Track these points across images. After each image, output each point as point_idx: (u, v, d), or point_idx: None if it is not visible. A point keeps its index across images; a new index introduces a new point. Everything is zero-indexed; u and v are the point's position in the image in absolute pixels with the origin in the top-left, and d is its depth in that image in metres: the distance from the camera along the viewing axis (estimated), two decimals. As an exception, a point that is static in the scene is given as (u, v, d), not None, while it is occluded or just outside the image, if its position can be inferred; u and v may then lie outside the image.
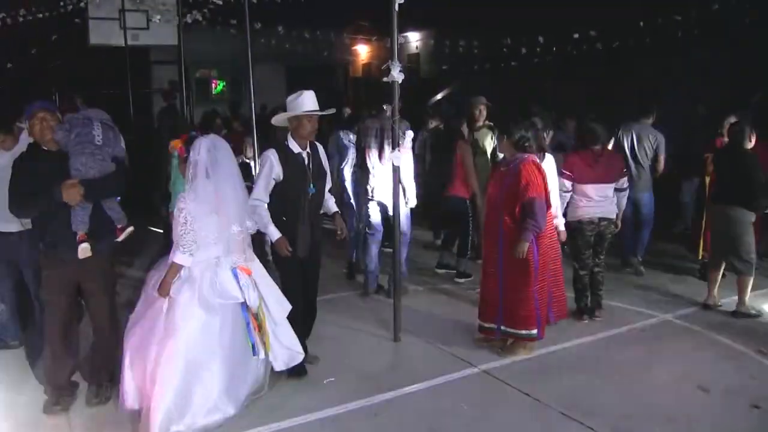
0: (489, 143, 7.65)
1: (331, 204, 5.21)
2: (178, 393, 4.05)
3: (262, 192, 4.75)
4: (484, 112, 7.76)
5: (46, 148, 4.32)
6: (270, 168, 4.74)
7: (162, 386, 4.02)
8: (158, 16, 12.22)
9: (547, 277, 5.48)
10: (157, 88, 17.28)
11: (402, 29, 5.31)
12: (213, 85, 20.30)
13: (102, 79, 14.46)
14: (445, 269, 7.74)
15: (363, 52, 22.81)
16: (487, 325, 5.48)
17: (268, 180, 4.75)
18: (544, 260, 5.39)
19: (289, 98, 4.80)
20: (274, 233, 4.74)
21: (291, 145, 4.82)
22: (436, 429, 4.26)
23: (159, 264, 4.47)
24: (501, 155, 5.94)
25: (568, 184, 5.97)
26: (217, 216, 4.22)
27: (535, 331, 5.28)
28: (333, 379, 4.89)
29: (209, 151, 4.25)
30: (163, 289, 4.18)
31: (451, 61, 18.42)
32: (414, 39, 22.12)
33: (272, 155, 4.76)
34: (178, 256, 4.15)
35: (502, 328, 5.36)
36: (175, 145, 4.46)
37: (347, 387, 4.78)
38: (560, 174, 5.94)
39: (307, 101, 4.74)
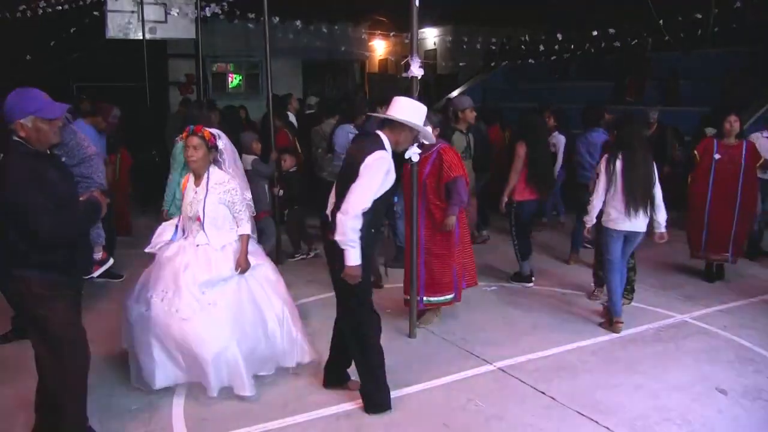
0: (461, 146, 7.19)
1: None
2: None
3: (369, 201, 4.02)
4: (470, 114, 7.25)
5: (39, 151, 3.50)
6: (387, 174, 4.10)
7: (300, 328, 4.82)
8: (176, 9, 12.26)
9: (462, 247, 5.95)
10: (174, 81, 17.39)
11: (419, 25, 5.25)
12: (229, 78, 20.34)
13: (119, 72, 14.55)
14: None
15: (380, 47, 22.78)
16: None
17: (383, 188, 4.10)
18: (462, 232, 5.93)
19: (410, 104, 4.30)
20: (356, 257, 4.05)
21: (389, 151, 4.22)
22: (450, 425, 4.24)
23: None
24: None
25: None
26: (248, 192, 4.78)
27: (452, 296, 5.82)
28: (353, 378, 4.86)
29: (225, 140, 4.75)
30: (246, 262, 4.55)
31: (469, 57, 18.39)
32: (431, 35, 22.10)
33: (390, 159, 4.14)
34: (246, 228, 4.57)
35: (425, 298, 5.77)
36: (206, 134, 4.44)
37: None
38: None
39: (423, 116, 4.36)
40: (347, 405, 4.44)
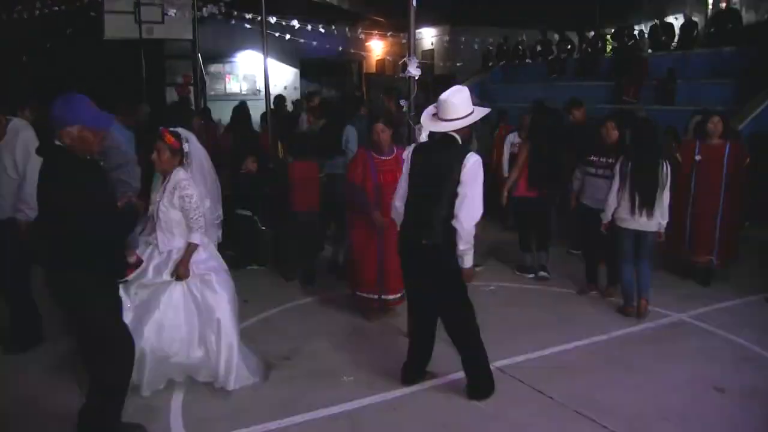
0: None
1: None
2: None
3: (482, 206, 4.16)
4: None
5: (81, 156, 3.55)
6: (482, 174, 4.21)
7: (234, 350, 4.53)
8: (173, 10, 12.26)
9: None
10: (171, 82, 17.38)
11: (417, 25, 5.27)
12: (227, 79, 20.34)
13: (116, 72, 14.53)
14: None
15: (377, 47, 22.79)
16: (372, 296, 5.91)
17: None
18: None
19: (458, 100, 4.35)
20: (471, 260, 4.32)
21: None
22: (449, 425, 4.25)
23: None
24: None
25: None
26: (207, 200, 4.62)
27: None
28: (352, 378, 4.86)
29: (195, 143, 4.68)
30: (185, 271, 4.41)
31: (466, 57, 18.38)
32: (429, 35, 22.11)
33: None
34: (196, 237, 4.42)
35: (382, 297, 5.86)
36: (168, 138, 4.43)
37: (360, 383, 4.78)
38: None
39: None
40: (347, 405, 4.45)
